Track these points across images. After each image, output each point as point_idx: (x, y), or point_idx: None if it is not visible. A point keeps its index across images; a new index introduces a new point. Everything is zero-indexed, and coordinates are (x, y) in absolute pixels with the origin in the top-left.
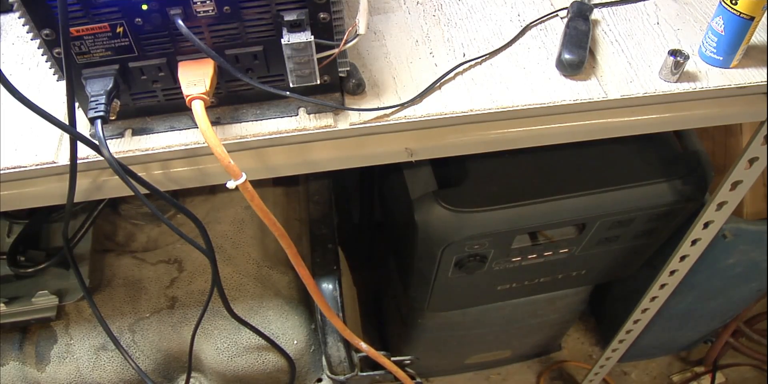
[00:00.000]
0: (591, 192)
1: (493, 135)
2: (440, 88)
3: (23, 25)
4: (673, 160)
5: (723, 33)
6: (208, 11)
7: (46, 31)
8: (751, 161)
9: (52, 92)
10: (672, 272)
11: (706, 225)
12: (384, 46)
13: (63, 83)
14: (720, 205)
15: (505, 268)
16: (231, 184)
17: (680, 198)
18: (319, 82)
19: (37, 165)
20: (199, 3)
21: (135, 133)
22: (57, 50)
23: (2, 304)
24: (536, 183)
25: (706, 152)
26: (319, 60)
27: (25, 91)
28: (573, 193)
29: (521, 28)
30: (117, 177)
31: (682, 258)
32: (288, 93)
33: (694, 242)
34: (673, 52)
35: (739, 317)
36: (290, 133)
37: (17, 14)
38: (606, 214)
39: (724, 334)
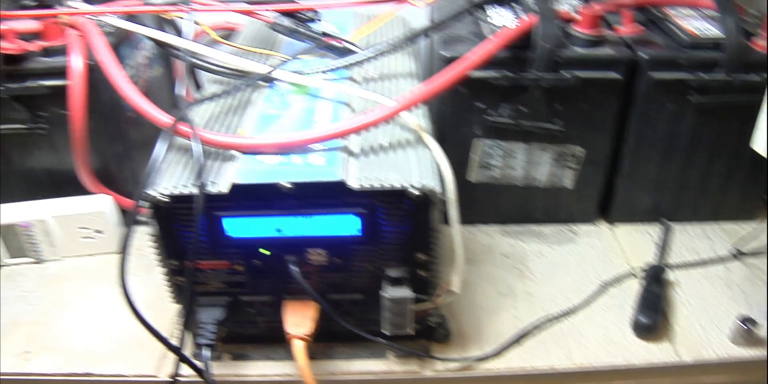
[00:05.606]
0: None
1: None
2: (520, 343)
3: (155, 252)
4: None
5: None
6: (320, 261)
7: (174, 261)
8: None
9: (161, 307)
10: None
11: None
12: (471, 296)
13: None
14: None
15: None
16: None
17: None
18: (411, 331)
19: (139, 377)
20: (313, 254)
21: (234, 357)
22: (179, 278)
23: None
24: None
25: None
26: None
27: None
28: None
29: (599, 287)
30: None
31: None
32: (381, 340)
33: None
34: (744, 319)
35: None
36: (378, 376)
37: (151, 242)
38: None
39: None
